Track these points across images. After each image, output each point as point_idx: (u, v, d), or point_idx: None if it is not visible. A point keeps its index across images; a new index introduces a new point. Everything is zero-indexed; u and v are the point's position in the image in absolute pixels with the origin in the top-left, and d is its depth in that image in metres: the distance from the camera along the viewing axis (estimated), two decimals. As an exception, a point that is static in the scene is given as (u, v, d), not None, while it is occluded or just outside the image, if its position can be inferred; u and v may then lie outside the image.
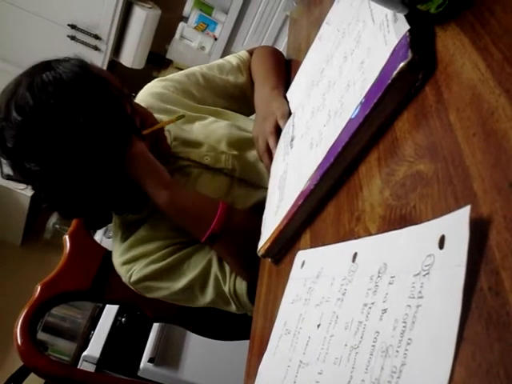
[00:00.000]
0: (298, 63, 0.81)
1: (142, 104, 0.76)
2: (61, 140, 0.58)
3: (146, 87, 0.85)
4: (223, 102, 0.86)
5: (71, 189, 0.62)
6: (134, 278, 0.70)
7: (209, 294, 0.70)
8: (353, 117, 0.39)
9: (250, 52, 0.91)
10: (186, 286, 0.69)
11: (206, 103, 0.84)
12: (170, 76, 0.87)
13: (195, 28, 2.11)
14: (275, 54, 0.90)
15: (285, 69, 0.86)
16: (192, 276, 0.69)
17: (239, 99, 0.87)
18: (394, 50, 0.36)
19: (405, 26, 0.35)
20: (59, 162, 0.59)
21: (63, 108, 0.58)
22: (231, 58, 0.90)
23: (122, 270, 0.72)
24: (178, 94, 0.83)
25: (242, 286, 0.68)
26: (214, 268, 0.69)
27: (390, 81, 0.35)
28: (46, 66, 0.61)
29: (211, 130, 0.78)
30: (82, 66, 0.62)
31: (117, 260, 0.73)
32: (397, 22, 0.37)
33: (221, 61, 0.90)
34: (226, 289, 0.68)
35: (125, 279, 0.72)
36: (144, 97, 0.82)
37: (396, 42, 0.36)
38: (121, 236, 0.74)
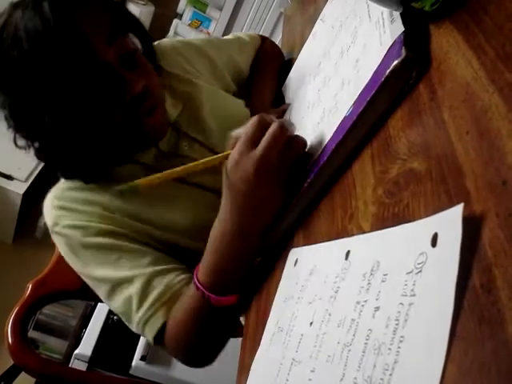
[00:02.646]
0: (292, 60, 0.81)
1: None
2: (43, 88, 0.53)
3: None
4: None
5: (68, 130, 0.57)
6: (57, 229, 0.63)
7: (115, 306, 0.60)
8: (347, 114, 0.39)
9: (262, 39, 0.89)
10: (100, 278, 0.61)
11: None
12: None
13: (189, 25, 2.10)
14: (281, 58, 0.89)
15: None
16: (111, 274, 0.60)
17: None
18: (388, 50, 0.36)
19: (400, 28, 0.36)
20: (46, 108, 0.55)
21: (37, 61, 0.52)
22: (247, 40, 0.86)
23: (49, 212, 0.64)
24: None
25: (151, 331, 0.57)
26: (136, 287, 0.58)
27: (383, 78, 0.35)
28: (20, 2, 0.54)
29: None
30: (56, 11, 0.52)
31: (51, 199, 0.65)
32: (393, 22, 0.37)
33: (237, 38, 0.86)
34: (136, 319, 0.58)
35: (48, 222, 0.64)
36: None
37: (390, 43, 0.36)
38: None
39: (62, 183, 0.66)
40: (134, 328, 0.60)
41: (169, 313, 0.57)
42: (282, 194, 0.47)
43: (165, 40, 0.78)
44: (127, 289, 0.59)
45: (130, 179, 0.59)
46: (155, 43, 0.74)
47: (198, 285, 0.52)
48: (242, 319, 0.73)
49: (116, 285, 0.60)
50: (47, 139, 0.59)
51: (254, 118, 0.47)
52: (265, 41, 0.89)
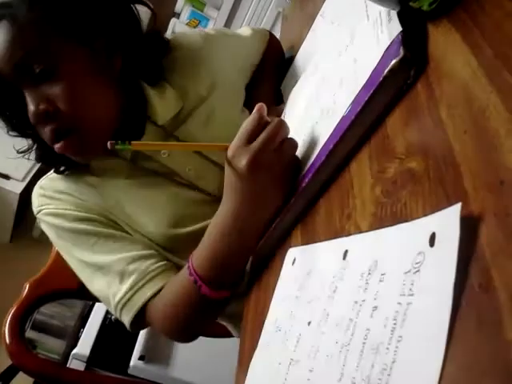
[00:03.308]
0: (291, 59, 0.81)
1: None
2: None
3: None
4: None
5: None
6: (39, 216, 0.66)
7: (94, 289, 0.62)
8: (345, 114, 0.39)
9: (270, 34, 0.87)
10: (80, 262, 0.63)
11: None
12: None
13: (187, 24, 2.10)
14: (283, 56, 0.88)
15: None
16: (89, 258, 0.61)
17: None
18: (386, 50, 0.36)
19: (397, 28, 0.35)
20: None
21: None
22: (254, 36, 0.83)
23: (34, 200, 0.67)
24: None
25: (133, 306, 0.58)
26: (113, 272, 0.59)
27: (381, 78, 0.35)
28: None
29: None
30: None
31: (37, 188, 0.67)
32: (390, 22, 0.37)
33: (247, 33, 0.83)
34: (113, 303, 0.59)
35: (33, 209, 0.67)
36: None
37: (388, 43, 0.36)
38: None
39: (50, 173, 0.69)
40: (112, 311, 0.62)
41: (143, 298, 0.58)
42: (279, 193, 0.47)
43: (194, 33, 0.75)
44: (105, 274, 0.60)
45: (112, 171, 0.64)
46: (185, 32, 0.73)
47: (192, 271, 0.52)
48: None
49: (95, 269, 0.61)
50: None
51: (254, 114, 0.47)
52: (271, 37, 0.88)
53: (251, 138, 0.46)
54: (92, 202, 0.65)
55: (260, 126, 0.46)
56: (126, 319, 0.60)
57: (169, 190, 0.65)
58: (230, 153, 0.47)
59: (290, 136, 0.48)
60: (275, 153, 0.45)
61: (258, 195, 0.47)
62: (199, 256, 0.52)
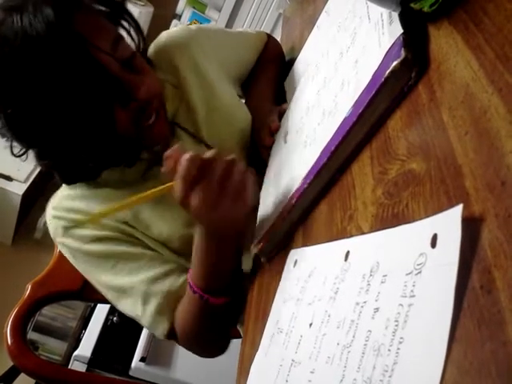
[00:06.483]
0: (292, 60, 0.81)
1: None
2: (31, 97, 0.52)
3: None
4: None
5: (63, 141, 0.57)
6: (58, 240, 0.65)
7: (122, 309, 0.64)
8: (346, 116, 0.39)
9: (268, 36, 0.88)
10: (103, 285, 0.64)
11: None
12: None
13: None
14: (283, 57, 0.88)
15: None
16: (111, 281, 0.63)
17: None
18: (387, 52, 0.36)
19: (399, 30, 0.35)
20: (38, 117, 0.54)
21: (27, 67, 0.51)
22: (254, 38, 0.84)
23: (49, 223, 0.66)
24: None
25: (162, 330, 0.61)
26: (136, 295, 0.61)
27: (383, 79, 0.35)
28: (18, 5, 0.52)
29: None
30: (60, 18, 0.50)
31: (50, 210, 0.66)
32: (392, 24, 0.37)
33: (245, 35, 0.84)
34: (144, 323, 0.62)
35: (50, 233, 0.66)
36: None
37: (389, 45, 0.36)
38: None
39: (60, 192, 0.68)
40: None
41: (173, 314, 0.61)
42: (239, 207, 0.50)
43: (180, 29, 0.76)
44: (129, 297, 0.62)
45: (126, 174, 0.65)
46: (175, 29, 0.74)
47: (195, 288, 0.55)
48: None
49: (119, 292, 0.63)
50: (49, 144, 0.59)
51: (184, 160, 0.48)
52: (270, 38, 0.89)
53: (191, 184, 0.48)
54: (108, 219, 0.64)
55: (195, 170, 0.48)
56: (160, 336, 0.62)
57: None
58: (178, 197, 0.49)
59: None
60: (218, 191, 0.48)
61: (217, 226, 0.51)
62: (195, 275, 0.56)
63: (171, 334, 0.62)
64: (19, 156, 0.61)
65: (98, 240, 0.63)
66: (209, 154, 0.49)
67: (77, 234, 0.64)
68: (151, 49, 0.73)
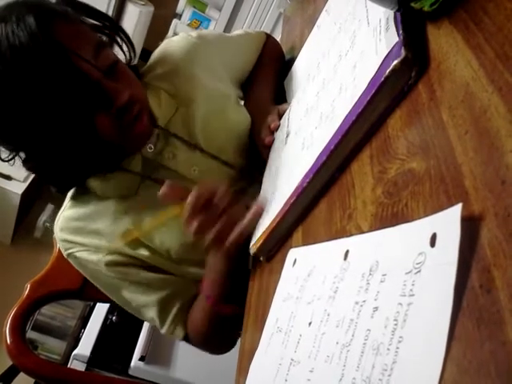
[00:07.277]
0: (292, 60, 0.81)
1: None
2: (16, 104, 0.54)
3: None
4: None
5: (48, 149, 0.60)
6: (70, 260, 0.70)
7: (143, 318, 0.71)
8: (347, 114, 0.39)
9: (267, 36, 0.89)
10: (121, 302, 0.71)
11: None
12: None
13: (189, 25, 2.10)
14: (282, 57, 0.89)
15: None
16: (129, 298, 0.69)
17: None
18: (383, 61, 0.36)
19: (395, 37, 0.35)
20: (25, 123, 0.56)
21: (9, 75, 0.52)
22: (251, 40, 0.85)
23: (59, 243, 0.70)
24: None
25: (179, 336, 0.70)
26: (153, 311, 0.69)
27: (383, 79, 0.35)
28: (2, 15, 0.53)
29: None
30: (42, 27, 0.52)
31: (58, 231, 0.70)
32: (388, 31, 0.37)
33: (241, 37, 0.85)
34: (163, 332, 0.70)
35: (62, 251, 0.71)
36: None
37: (386, 52, 0.36)
38: (72, 204, 0.70)
39: (65, 210, 0.71)
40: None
41: (186, 323, 0.69)
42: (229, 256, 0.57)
43: (180, 38, 0.77)
44: (147, 312, 0.69)
45: (120, 188, 0.67)
46: (170, 38, 0.76)
47: (209, 296, 0.62)
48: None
49: (137, 307, 0.69)
50: (33, 151, 0.61)
51: (191, 196, 0.53)
52: (269, 38, 0.89)
53: (196, 214, 0.53)
54: (109, 235, 0.67)
55: (198, 205, 0.53)
56: (179, 340, 0.71)
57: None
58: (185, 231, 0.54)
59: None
60: (217, 231, 0.53)
61: (222, 265, 0.59)
62: (209, 285, 0.63)
63: (187, 339, 0.70)
64: (7, 161, 0.63)
65: (111, 264, 0.67)
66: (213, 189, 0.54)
67: (87, 259, 0.68)
68: (153, 56, 0.75)
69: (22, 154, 0.62)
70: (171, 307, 0.69)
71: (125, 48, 0.68)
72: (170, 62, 0.72)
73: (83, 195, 0.69)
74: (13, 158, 0.62)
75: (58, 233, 0.69)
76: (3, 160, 0.63)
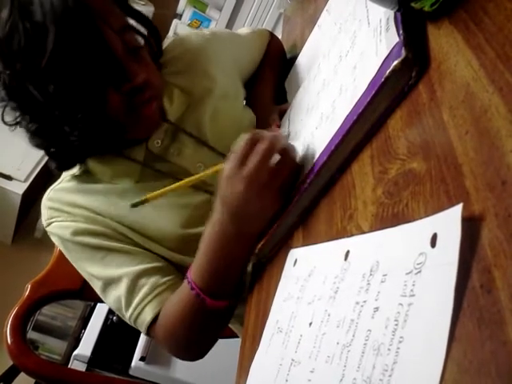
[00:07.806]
0: (293, 59, 0.81)
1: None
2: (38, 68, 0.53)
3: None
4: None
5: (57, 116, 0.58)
6: (49, 229, 0.67)
7: (108, 302, 0.64)
8: (348, 114, 0.39)
9: (270, 35, 0.89)
10: (91, 275, 0.64)
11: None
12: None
13: (189, 25, 2.10)
14: (284, 56, 0.89)
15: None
16: (100, 272, 0.63)
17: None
18: (383, 62, 0.36)
19: (395, 38, 0.35)
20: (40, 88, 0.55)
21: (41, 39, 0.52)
22: (255, 38, 0.85)
23: (43, 212, 0.67)
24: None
25: (143, 322, 0.60)
26: (123, 286, 0.61)
27: (383, 79, 0.35)
28: None
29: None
30: None
31: (45, 200, 0.68)
32: (388, 31, 0.37)
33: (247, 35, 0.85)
34: (127, 315, 0.62)
35: (43, 222, 0.68)
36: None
37: (386, 53, 0.36)
38: (71, 177, 0.67)
39: (57, 184, 0.69)
40: (128, 322, 0.64)
41: (156, 309, 0.60)
42: (277, 203, 0.48)
43: (195, 35, 0.77)
44: (116, 288, 0.62)
45: (123, 175, 0.65)
46: (184, 34, 0.76)
47: (193, 285, 0.54)
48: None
49: (106, 283, 0.63)
50: (40, 113, 0.59)
51: (246, 135, 0.48)
52: (272, 37, 0.89)
53: (244, 159, 0.47)
54: (101, 213, 0.65)
55: (252, 146, 0.47)
56: (142, 330, 0.62)
57: (179, 191, 0.66)
58: (225, 173, 0.48)
59: (293, 140, 0.48)
60: (270, 172, 0.46)
61: (256, 211, 0.49)
62: (197, 270, 0.54)
63: (152, 330, 0.61)
64: (10, 125, 0.61)
65: (89, 234, 0.64)
66: (266, 140, 0.47)
67: (69, 226, 0.64)
68: (166, 53, 0.74)
69: (26, 125, 0.61)
70: (146, 282, 0.61)
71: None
72: (186, 59, 0.72)
73: (82, 176, 0.68)
74: (16, 124, 0.61)
75: (46, 201, 0.67)
76: (5, 123, 0.61)
